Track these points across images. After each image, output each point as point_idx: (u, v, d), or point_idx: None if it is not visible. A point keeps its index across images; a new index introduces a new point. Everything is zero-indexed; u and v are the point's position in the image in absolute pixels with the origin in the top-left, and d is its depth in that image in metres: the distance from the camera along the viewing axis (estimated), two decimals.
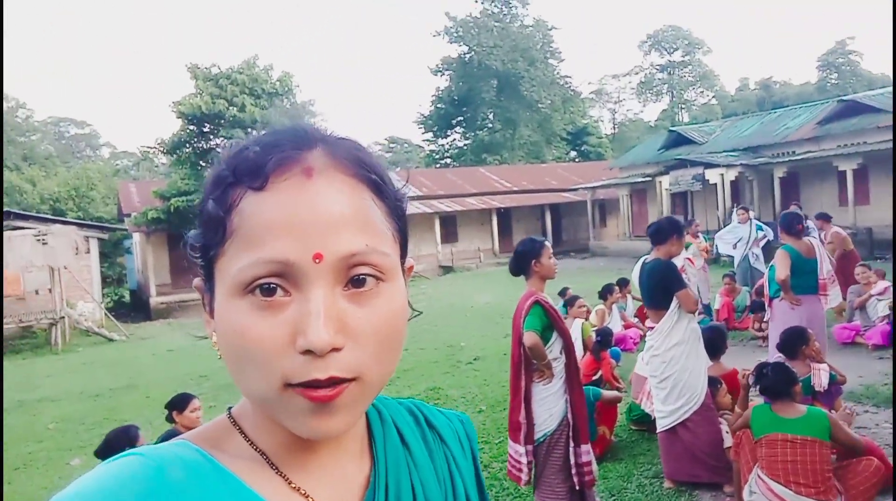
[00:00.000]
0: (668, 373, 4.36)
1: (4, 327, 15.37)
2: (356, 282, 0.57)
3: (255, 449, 0.63)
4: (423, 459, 0.73)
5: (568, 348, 3.95)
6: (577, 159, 45.97)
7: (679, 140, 28.11)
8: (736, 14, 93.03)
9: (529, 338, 3.76)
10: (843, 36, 69.63)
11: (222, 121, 21.31)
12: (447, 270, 27.59)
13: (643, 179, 26.12)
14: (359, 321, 0.57)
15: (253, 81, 22.06)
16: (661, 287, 4.32)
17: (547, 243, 4.00)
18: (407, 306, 0.64)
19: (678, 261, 4.44)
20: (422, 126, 42.50)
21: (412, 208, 27.02)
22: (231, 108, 21.06)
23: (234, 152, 0.60)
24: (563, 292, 9.38)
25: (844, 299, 8.29)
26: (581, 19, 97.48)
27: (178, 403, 4.45)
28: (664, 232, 4.39)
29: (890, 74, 49.83)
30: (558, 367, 3.89)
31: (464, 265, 27.91)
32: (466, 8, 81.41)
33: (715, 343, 4.89)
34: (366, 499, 0.67)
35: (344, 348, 0.55)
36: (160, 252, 23.71)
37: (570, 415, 3.89)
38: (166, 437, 4.33)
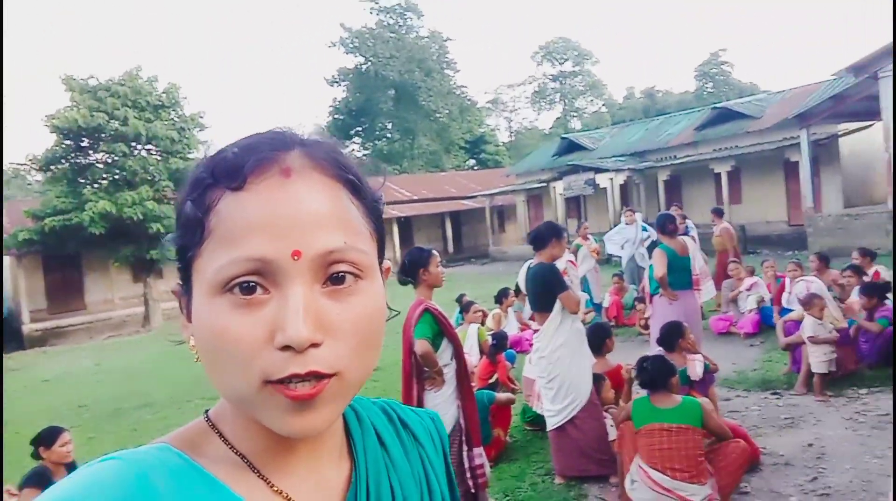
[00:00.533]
0: (555, 373, 4.46)
1: None
2: (335, 279, 0.57)
3: (235, 452, 0.62)
4: (399, 459, 0.73)
5: (458, 353, 4.00)
6: (475, 167, 46.77)
7: (571, 147, 29.20)
8: (620, 27, 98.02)
9: (421, 346, 3.79)
10: (716, 48, 74.81)
11: (103, 135, 20.02)
12: None
13: (538, 185, 26.90)
14: (338, 318, 0.57)
15: (136, 93, 20.85)
16: (545, 290, 4.43)
17: (434, 252, 4.04)
18: (385, 305, 0.63)
19: (561, 264, 4.57)
20: None
21: None
22: (112, 121, 19.79)
23: (213, 156, 0.61)
24: (459, 299, 9.47)
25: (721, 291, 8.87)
26: (475, 31, 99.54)
27: (46, 438, 4.10)
28: (544, 237, 4.51)
29: (758, 82, 54.07)
30: (449, 373, 3.93)
31: None
32: (362, 19, 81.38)
33: (598, 341, 5.06)
34: (347, 500, 0.67)
35: (323, 344, 0.55)
36: (34, 276, 21.95)
37: (462, 420, 3.93)
38: (33, 476, 3.98)
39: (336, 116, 40.81)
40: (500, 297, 9.38)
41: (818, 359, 5.48)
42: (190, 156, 22.13)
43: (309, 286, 0.56)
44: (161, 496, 0.56)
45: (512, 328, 9.02)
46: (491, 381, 6.90)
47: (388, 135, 40.98)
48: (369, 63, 38.84)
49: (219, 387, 0.59)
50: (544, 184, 26.34)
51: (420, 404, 3.87)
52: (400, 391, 4.01)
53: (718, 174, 21.48)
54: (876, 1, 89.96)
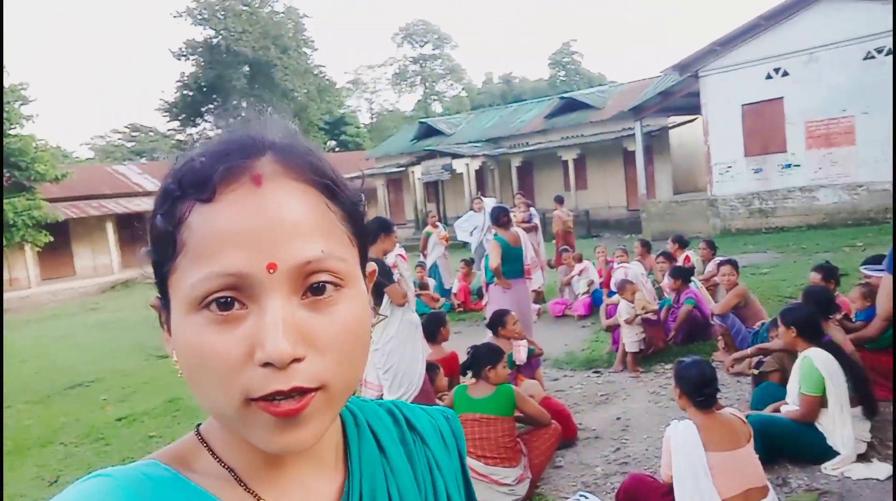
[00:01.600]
0: (389, 365, 4.60)
1: None
2: (314, 290, 0.55)
3: (224, 466, 0.61)
4: (400, 464, 0.71)
5: None
6: (336, 149, 46.09)
7: (430, 131, 29.60)
8: (479, 12, 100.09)
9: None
10: (567, 38, 78.55)
11: None
12: None
13: (398, 169, 27.07)
14: (319, 329, 0.55)
15: None
16: (374, 284, 4.53)
17: None
18: (369, 312, 0.61)
19: (391, 258, 4.69)
20: (167, 114, 39.26)
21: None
22: None
23: (181, 165, 0.58)
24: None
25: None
26: (332, 9, 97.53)
27: None
28: (372, 232, 4.60)
29: (606, 73, 57.53)
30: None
31: None
32: None
33: (432, 329, 5.26)
34: None
35: (306, 357, 0.53)
36: None
37: None
38: None
39: (185, 92, 38.37)
40: None
41: (630, 339, 6.06)
42: (12, 132, 19.99)
43: (287, 299, 0.54)
44: None
45: None
46: None
47: (243, 114, 38.90)
48: (220, 37, 36.77)
49: (202, 404, 0.57)
50: (403, 168, 26.54)
51: None
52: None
53: (566, 161, 22.75)
54: (702, 4, 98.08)
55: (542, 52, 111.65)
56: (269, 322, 0.52)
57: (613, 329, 6.68)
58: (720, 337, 6.07)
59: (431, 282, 10.35)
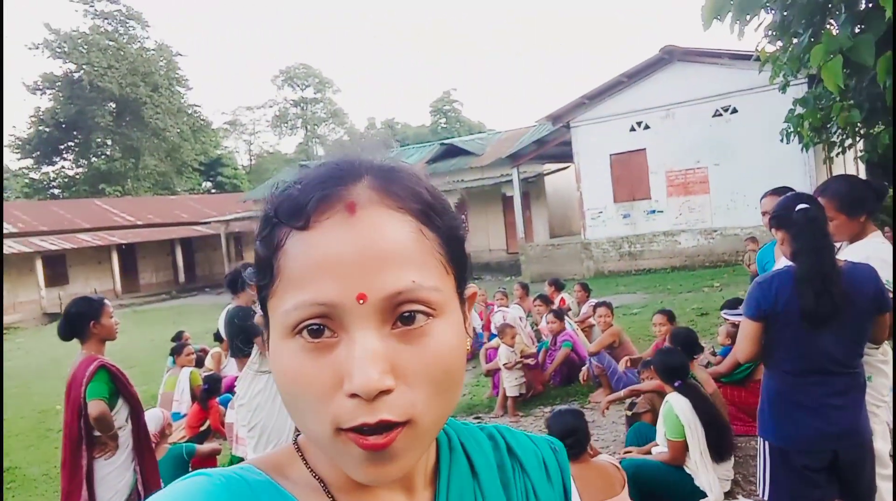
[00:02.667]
0: (255, 422, 4.25)
1: None
2: (405, 320, 0.54)
3: (315, 478, 0.62)
4: (493, 491, 0.69)
5: (135, 413, 3.61)
6: (212, 191, 44.34)
7: None
8: (361, 59, 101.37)
9: (96, 408, 3.34)
10: (448, 87, 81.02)
11: None
12: (54, 317, 23.72)
13: None
14: (409, 361, 0.54)
15: None
16: (241, 335, 4.23)
17: (107, 301, 3.61)
18: (464, 342, 0.59)
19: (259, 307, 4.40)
20: (18, 151, 36.13)
21: (4, 247, 22.86)
22: None
23: (279, 191, 0.59)
24: (178, 337, 8.74)
25: None
26: (209, 48, 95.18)
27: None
28: (241, 281, 4.31)
29: (485, 121, 59.66)
30: (124, 436, 3.52)
31: None
32: (72, 21, 72.85)
33: None
34: None
35: (395, 390, 0.52)
36: None
37: (140, 486, 3.53)
38: None
39: (40, 128, 35.56)
40: (221, 335, 8.84)
41: (510, 384, 6.04)
42: None
43: (377, 330, 0.53)
44: None
45: (233, 369, 8.53)
46: (203, 428, 6.43)
47: (108, 152, 36.89)
48: (82, 71, 34.61)
49: (298, 426, 0.58)
50: None
51: (89, 475, 3.39)
52: (59, 461, 3.47)
53: None
54: (573, 60, 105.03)
55: (423, 99, 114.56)
56: (357, 353, 0.52)
57: (493, 373, 6.64)
58: (598, 377, 6.17)
59: None
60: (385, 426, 0.52)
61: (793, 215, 2.47)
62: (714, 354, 5.41)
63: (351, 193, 0.56)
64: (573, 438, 3.05)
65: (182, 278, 29.81)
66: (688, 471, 3.76)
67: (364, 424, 0.52)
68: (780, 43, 6.91)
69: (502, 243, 23.41)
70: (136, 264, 29.09)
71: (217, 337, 8.97)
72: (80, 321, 3.45)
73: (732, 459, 3.99)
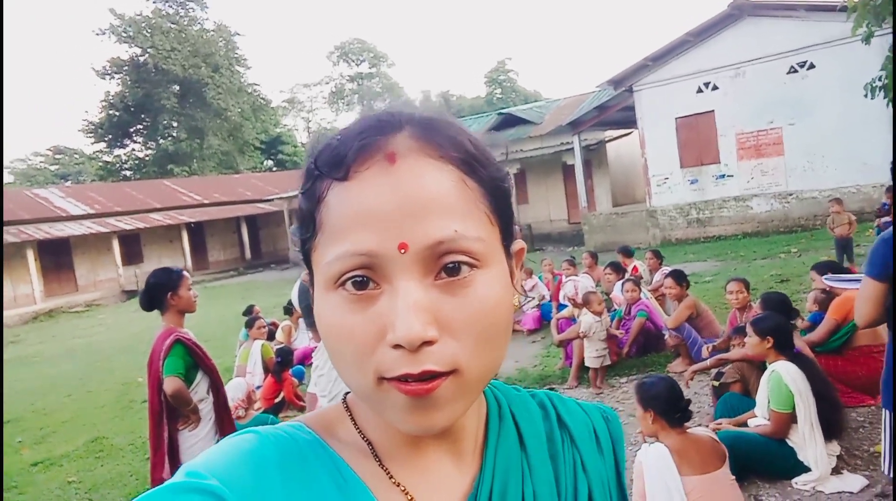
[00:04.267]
0: (336, 391, 4.25)
1: None
2: (449, 270, 0.54)
3: (363, 438, 0.63)
4: (540, 463, 0.67)
5: (216, 386, 3.65)
6: (273, 169, 45.15)
7: None
8: (414, 31, 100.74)
9: (171, 384, 3.36)
10: (502, 57, 79.68)
11: None
12: (132, 294, 24.77)
13: None
14: (453, 312, 0.53)
15: None
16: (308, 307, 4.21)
17: (185, 272, 3.62)
18: (510, 293, 0.58)
19: None
20: (91, 135, 37.55)
21: (83, 228, 23.95)
22: None
23: (320, 144, 0.58)
24: (248, 310, 8.93)
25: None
26: (266, 27, 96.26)
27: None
28: None
29: (541, 90, 58.54)
30: (206, 409, 3.56)
31: None
32: (135, 5, 74.71)
33: None
34: None
35: (438, 340, 0.52)
36: None
37: None
38: None
39: (110, 112, 36.84)
40: (291, 307, 8.97)
41: (592, 355, 5.84)
42: None
43: (420, 280, 0.53)
44: (289, 469, 0.57)
45: (303, 341, 8.67)
46: (277, 400, 6.54)
47: (174, 134, 37.94)
48: (147, 55, 35.52)
49: (342, 379, 0.58)
50: None
51: (173, 447, 3.44)
52: (143, 431, 3.55)
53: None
54: (635, 22, 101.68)
55: (478, 70, 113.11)
56: (400, 304, 0.52)
57: (566, 344, 6.49)
58: (675, 348, 5.95)
59: None
60: (429, 376, 0.52)
61: None
62: (802, 319, 5.10)
63: (391, 142, 0.55)
64: (682, 404, 2.89)
65: (248, 254, 30.58)
66: (790, 444, 3.55)
67: (407, 374, 0.52)
68: None
69: (563, 214, 23.02)
70: (204, 241, 30.00)
71: (287, 310, 9.13)
72: (158, 292, 3.47)
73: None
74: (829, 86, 13.92)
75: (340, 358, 0.56)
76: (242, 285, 23.20)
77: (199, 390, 3.49)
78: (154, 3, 37.23)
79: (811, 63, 14.37)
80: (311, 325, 4.39)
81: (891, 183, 11.83)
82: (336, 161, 0.55)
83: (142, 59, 36.06)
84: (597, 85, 18.64)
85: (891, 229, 2.27)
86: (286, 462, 0.58)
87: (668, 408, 2.88)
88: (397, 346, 0.51)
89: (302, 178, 0.59)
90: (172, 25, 36.59)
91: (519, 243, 0.64)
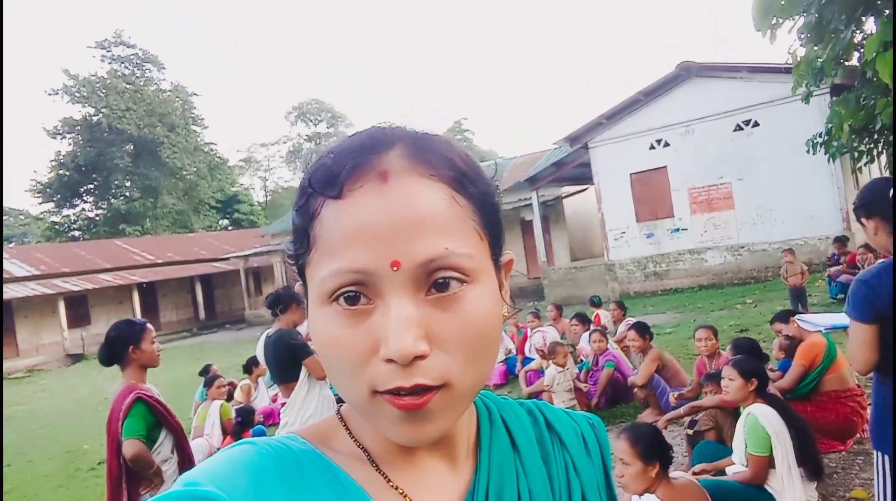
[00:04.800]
0: None
1: None
2: (439, 286, 0.55)
3: (359, 446, 0.64)
4: (533, 464, 0.69)
5: (180, 445, 3.41)
6: (228, 228, 44.57)
7: None
8: (370, 91, 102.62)
9: (131, 448, 3.12)
10: (458, 117, 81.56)
11: None
12: (77, 358, 23.73)
13: None
14: (444, 327, 0.55)
15: None
16: (288, 358, 4.04)
17: (149, 325, 3.43)
18: (499, 307, 0.60)
19: (303, 328, 4.22)
20: (39, 195, 36.61)
21: (27, 289, 23.00)
22: None
23: (314, 161, 0.60)
24: (206, 370, 8.59)
25: None
26: (223, 87, 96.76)
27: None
28: (284, 301, 4.15)
29: (496, 149, 59.83)
30: (169, 469, 3.31)
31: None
32: (90, 66, 74.33)
33: None
34: None
35: (430, 355, 0.53)
36: None
37: None
38: None
39: (61, 171, 36.08)
40: (251, 366, 8.67)
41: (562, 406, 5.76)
42: None
43: (411, 296, 0.54)
44: (287, 478, 0.58)
45: (263, 400, 8.35)
46: None
47: (127, 193, 37.24)
48: (101, 115, 35.19)
49: (337, 389, 0.60)
50: None
51: None
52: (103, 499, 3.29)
53: None
54: (588, 82, 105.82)
55: (435, 130, 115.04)
56: (393, 319, 0.53)
57: (536, 396, 6.38)
58: (644, 399, 5.90)
59: None
60: (421, 389, 0.53)
61: (888, 198, 2.25)
62: (772, 370, 5.13)
63: (383, 161, 0.56)
64: (670, 450, 2.80)
65: (202, 314, 29.78)
66: (770, 490, 3.49)
67: (400, 387, 0.53)
68: (814, 47, 6.75)
69: (523, 268, 23.17)
70: (156, 302, 29.12)
71: (247, 369, 8.81)
72: (119, 346, 3.27)
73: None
74: (774, 143, 14.56)
75: (335, 370, 0.57)
76: (196, 346, 22.48)
77: (163, 450, 3.27)
78: (110, 63, 37.12)
79: (755, 121, 15.06)
80: (282, 380, 4.20)
81: (838, 235, 12.32)
82: (330, 179, 0.56)
83: (95, 118, 35.67)
84: (553, 142, 19.13)
85: (867, 269, 2.29)
86: (284, 470, 0.59)
87: (662, 454, 2.80)
88: (390, 360, 0.52)
89: (296, 194, 0.61)
90: (128, 86, 36.45)
91: (508, 255, 0.66)
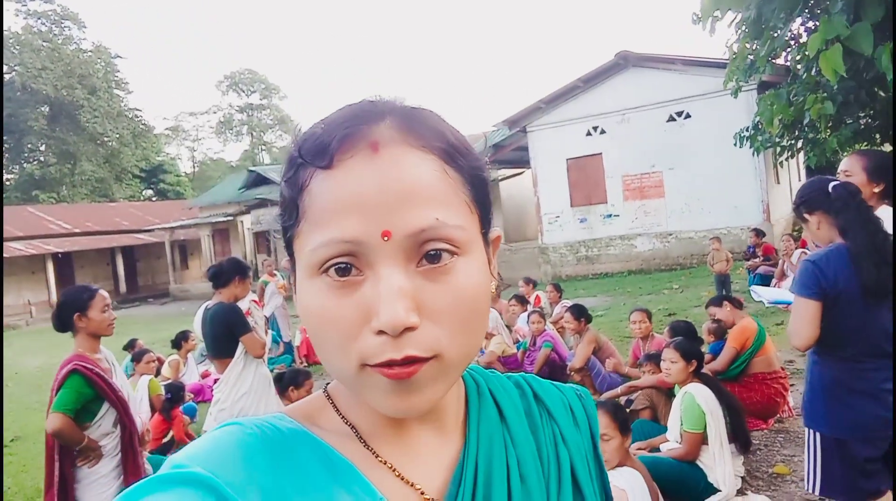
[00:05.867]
0: None
1: None
2: (430, 258, 0.55)
3: (346, 423, 0.64)
4: (522, 434, 0.69)
5: (124, 418, 3.27)
6: (153, 198, 42.81)
7: (260, 180, 28.35)
8: (304, 64, 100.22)
9: (53, 422, 2.98)
10: (399, 94, 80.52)
11: None
12: None
13: (225, 219, 25.59)
14: (434, 298, 0.54)
15: None
16: (226, 333, 3.91)
17: (102, 291, 3.24)
18: (488, 280, 0.60)
19: (244, 304, 4.09)
20: None
21: None
22: None
23: (304, 133, 0.59)
24: (130, 345, 8.22)
25: None
26: (150, 51, 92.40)
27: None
28: (226, 274, 4.00)
29: None
30: (110, 444, 3.18)
31: (10, 323, 23.06)
32: (5, 21, 69.65)
33: (293, 384, 4.66)
34: (454, 476, 0.64)
35: (420, 326, 0.53)
36: None
37: None
38: None
39: None
40: (179, 341, 8.38)
41: None
42: None
43: (402, 267, 0.54)
44: (275, 457, 0.57)
45: (192, 376, 8.09)
46: (166, 440, 6.01)
47: (41, 158, 35.15)
48: (14, 73, 32.95)
49: (325, 365, 0.59)
50: (231, 217, 25.16)
51: (66, 485, 3.03)
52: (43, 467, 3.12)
53: None
54: (528, 66, 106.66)
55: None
56: (383, 290, 0.52)
57: None
58: (580, 379, 6.04)
59: (269, 333, 9.54)
60: (411, 361, 0.53)
61: (829, 193, 2.37)
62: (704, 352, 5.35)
63: (374, 131, 0.56)
64: (629, 428, 2.86)
65: (123, 288, 28.57)
66: (701, 466, 3.64)
67: (390, 360, 0.52)
68: (749, 43, 6.98)
69: None
70: (73, 274, 27.71)
71: (175, 344, 8.50)
72: (66, 312, 3.14)
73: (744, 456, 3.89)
74: (704, 135, 15.08)
75: (323, 343, 0.56)
76: (118, 321, 21.38)
77: (104, 423, 3.12)
78: (25, 19, 34.74)
79: (688, 113, 15.55)
80: (217, 355, 4.06)
81: (755, 227, 12.93)
82: (320, 150, 0.55)
83: (7, 76, 33.34)
84: (492, 124, 19.20)
85: (815, 251, 2.39)
86: (272, 449, 0.58)
87: (630, 432, 2.86)
88: (381, 332, 0.52)
89: (285, 166, 0.60)
90: (45, 43, 34.19)
91: (496, 232, 0.66)
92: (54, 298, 25.55)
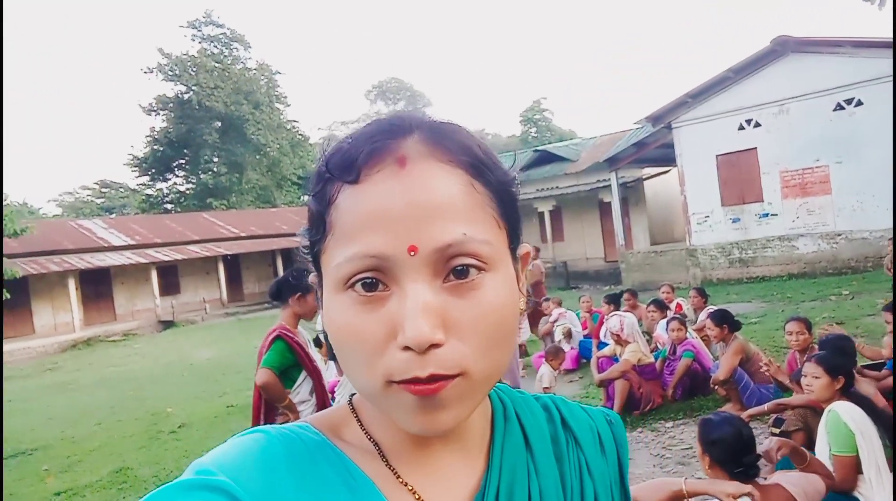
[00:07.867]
0: None
1: None
2: (457, 273, 0.54)
3: (370, 439, 0.63)
4: (546, 462, 0.68)
5: (319, 389, 3.62)
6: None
7: None
8: (451, 71, 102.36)
9: (262, 375, 3.41)
10: (537, 96, 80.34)
11: None
12: (168, 325, 25.04)
13: None
14: (461, 315, 0.54)
15: None
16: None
17: None
18: (516, 296, 0.59)
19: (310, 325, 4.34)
20: (136, 169, 38.61)
21: (123, 258, 24.37)
22: None
23: (332, 147, 0.59)
24: (317, 342, 8.79)
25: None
26: (306, 65, 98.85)
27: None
28: (286, 290, 3.86)
29: (575, 129, 58.61)
30: (307, 411, 3.50)
31: (188, 319, 25.62)
32: (182, 45, 77.54)
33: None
34: None
35: (446, 343, 0.52)
36: None
37: None
38: None
39: (155, 147, 37.88)
40: (320, 341, 8.82)
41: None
42: None
43: (429, 283, 0.53)
44: (298, 468, 0.58)
45: (333, 374, 8.49)
46: None
47: (214, 168, 38.71)
48: (192, 92, 36.62)
49: (350, 380, 0.58)
50: None
51: None
52: (210, 448, 3.45)
53: (542, 213, 22.60)
54: (673, 60, 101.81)
55: (513, 109, 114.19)
56: (409, 306, 0.52)
57: (607, 384, 6.19)
58: (725, 392, 5.61)
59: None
60: (436, 378, 0.52)
61: None
62: (874, 368, 4.75)
63: (401, 146, 0.55)
64: (749, 455, 2.61)
65: None
66: (859, 497, 3.22)
67: (416, 377, 0.52)
68: None
69: (600, 252, 22.65)
70: (240, 274, 30.29)
71: (318, 343, 8.98)
72: (288, 289, 3.59)
73: None
74: (879, 123, 13.48)
75: (349, 359, 0.55)
76: (276, 318, 23.20)
77: (302, 391, 3.53)
78: (200, 43, 38.47)
79: (859, 100, 14.01)
80: (334, 357, 4.22)
81: None
82: (347, 164, 0.55)
83: (186, 96, 37.11)
84: (635, 122, 18.47)
85: None
86: (295, 460, 0.58)
87: (729, 458, 2.60)
88: (406, 348, 0.51)
89: (312, 180, 0.60)
90: (217, 64, 37.67)
91: (525, 247, 0.64)
92: (226, 296, 28.08)
